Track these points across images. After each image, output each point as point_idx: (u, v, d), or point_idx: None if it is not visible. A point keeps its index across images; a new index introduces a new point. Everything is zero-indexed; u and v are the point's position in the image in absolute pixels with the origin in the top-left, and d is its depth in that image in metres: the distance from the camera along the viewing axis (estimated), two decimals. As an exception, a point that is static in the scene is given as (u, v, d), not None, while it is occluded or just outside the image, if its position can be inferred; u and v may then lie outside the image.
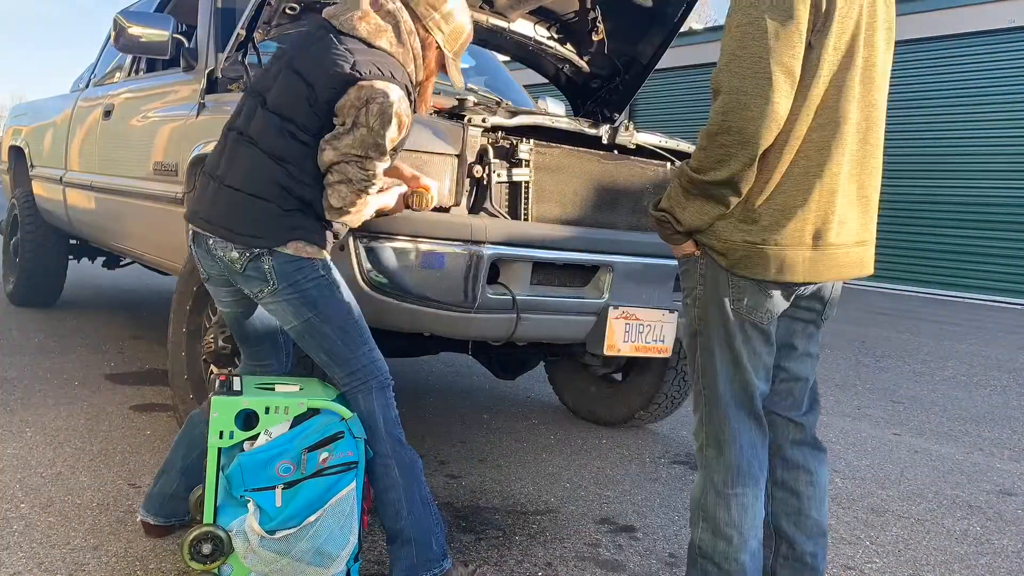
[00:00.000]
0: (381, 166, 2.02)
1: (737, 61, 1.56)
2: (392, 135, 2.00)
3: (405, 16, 2.14)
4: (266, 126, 2.05)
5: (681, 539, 2.63)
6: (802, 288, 1.74)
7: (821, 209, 1.66)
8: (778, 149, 1.63)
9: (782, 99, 1.56)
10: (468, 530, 2.58)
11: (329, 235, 2.12)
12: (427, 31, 2.19)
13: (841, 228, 1.69)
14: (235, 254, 2.05)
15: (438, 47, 2.22)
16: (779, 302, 1.72)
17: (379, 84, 1.99)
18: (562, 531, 2.63)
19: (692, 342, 1.77)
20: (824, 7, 1.59)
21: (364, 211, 2.07)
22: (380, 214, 2.22)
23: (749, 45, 1.55)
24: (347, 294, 2.13)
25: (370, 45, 2.07)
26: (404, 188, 2.28)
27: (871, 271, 1.79)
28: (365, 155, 1.98)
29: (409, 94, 2.09)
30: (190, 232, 2.16)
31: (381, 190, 2.10)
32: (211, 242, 2.09)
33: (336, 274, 2.12)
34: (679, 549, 2.55)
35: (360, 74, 1.99)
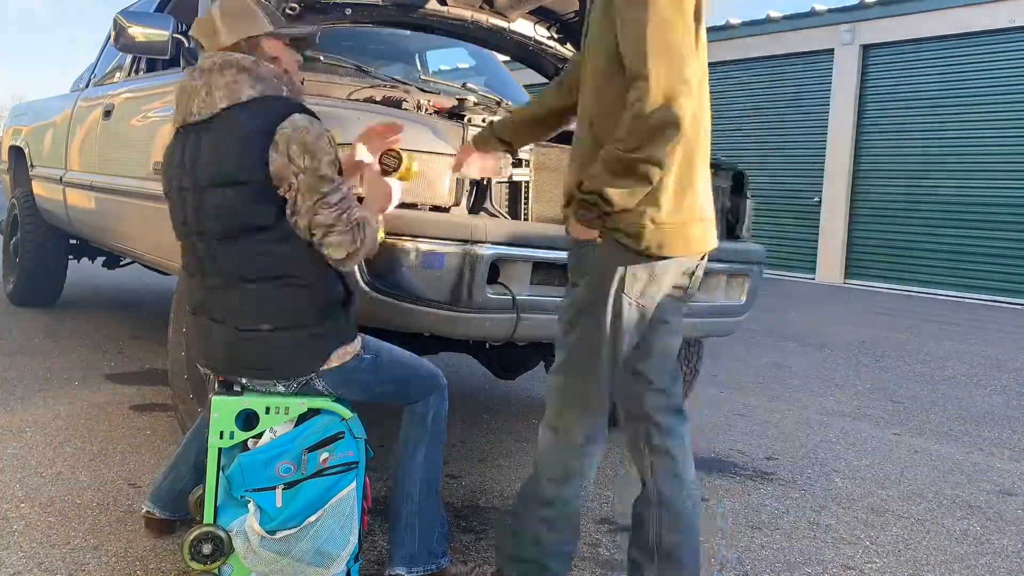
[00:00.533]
0: (343, 189, 1.93)
1: (666, 50, 1.65)
2: (327, 157, 1.91)
3: (232, 55, 1.98)
4: (240, 255, 1.92)
5: (681, 539, 2.63)
6: (691, 261, 1.87)
7: (702, 185, 1.83)
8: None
9: (695, 82, 1.69)
10: (468, 530, 2.58)
11: (355, 312, 2.07)
12: (239, 44, 2.02)
13: (708, 201, 1.87)
14: (281, 388, 2.01)
15: (256, 37, 2.04)
16: (667, 285, 1.84)
17: (285, 127, 1.88)
18: (562, 531, 2.62)
19: (575, 318, 1.86)
20: None
21: (371, 238, 1.98)
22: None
23: (670, 33, 1.66)
24: (386, 348, 2.12)
25: (242, 105, 1.93)
26: (394, 188, 2.18)
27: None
28: (321, 195, 1.89)
29: (305, 109, 1.98)
30: (210, 376, 2.08)
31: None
32: (245, 382, 2.03)
33: (372, 341, 2.11)
34: (679, 549, 2.55)
35: (264, 133, 1.88)
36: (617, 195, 1.73)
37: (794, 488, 3.19)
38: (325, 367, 1.99)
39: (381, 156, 2.20)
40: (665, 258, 1.79)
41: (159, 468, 2.84)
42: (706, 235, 1.87)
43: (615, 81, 1.74)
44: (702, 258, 1.92)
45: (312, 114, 1.97)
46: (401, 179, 2.23)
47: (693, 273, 1.92)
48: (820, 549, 2.63)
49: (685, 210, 1.79)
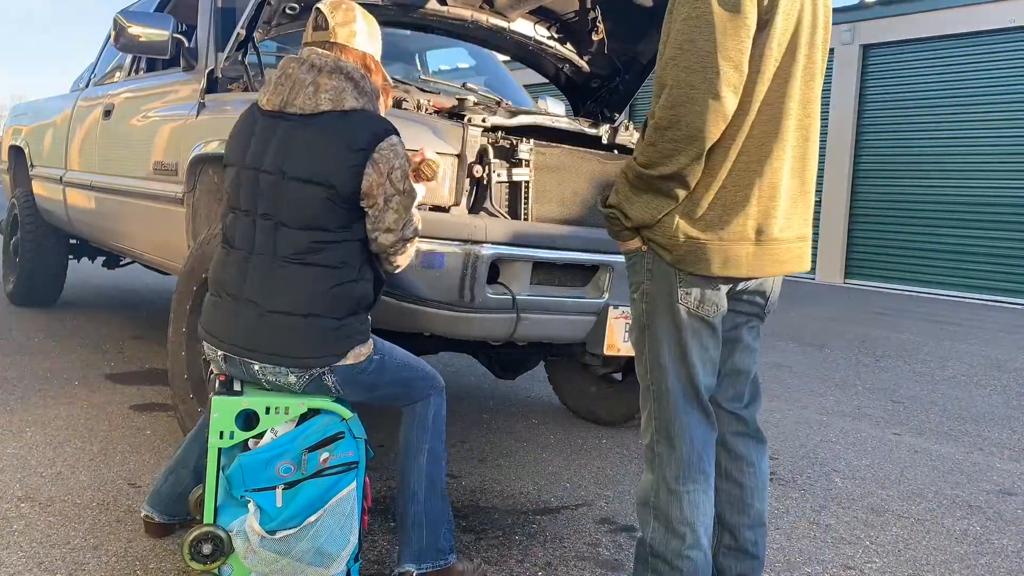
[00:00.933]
0: (416, 200, 2.09)
1: (685, 55, 1.54)
2: (427, 174, 2.11)
3: (346, 63, 2.06)
4: (303, 242, 1.98)
5: (681, 539, 2.63)
6: (746, 282, 1.74)
7: (763, 205, 1.66)
8: (724, 145, 1.62)
9: (729, 94, 1.55)
10: (468, 530, 2.58)
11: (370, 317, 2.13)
12: (361, 55, 2.13)
13: (783, 224, 1.70)
14: (292, 378, 2.02)
15: (374, 60, 2.18)
16: (725, 295, 1.72)
17: (384, 149, 1.98)
18: (562, 531, 2.63)
19: (640, 337, 1.75)
20: (767, 1, 1.58)
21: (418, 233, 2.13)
22: None
23: (696, 39, 1.53)
24: (389, 350, 2.14)
25: (343, 112, 2.00)
26: (419, 191, 2.26)
27: (808, 267, 1.81)
28: (410, 217, 2.04)
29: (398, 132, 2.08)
30: (220, 354, 2.08)
31: None
32: (257, 368, 2.03)
33: (379, 343, 2.12)
34: (679, 549, 2.55)
35: (364, 149, 1.96)
36: (635, 210, 1.65)
37: (794, 488, 3.19)
38: (341, 363, 2.01)
39: (420, 165, 2.25)
40: (702, 276, 1.66)
41: (159, 468, 2.84)
42: (761, 259, 1.68)
43: None
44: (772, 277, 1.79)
45: (399, 135, 2.06)
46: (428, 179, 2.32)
47: (765, 292, 1.81)
48: (820, 549, 2.63)
49: (732, 229, 1.64)
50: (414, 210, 2.09)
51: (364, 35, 2.16)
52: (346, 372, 2.03)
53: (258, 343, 2.00)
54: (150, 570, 2.17)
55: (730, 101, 1.56)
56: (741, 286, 1.75)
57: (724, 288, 1.71)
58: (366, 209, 2.00)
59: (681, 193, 1.63)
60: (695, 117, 1.54)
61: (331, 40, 2.11)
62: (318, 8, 2.16)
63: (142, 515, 2.33)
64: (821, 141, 11.06)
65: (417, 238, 2.12)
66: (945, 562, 2.60)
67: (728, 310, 1.76)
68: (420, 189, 2.23)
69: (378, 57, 2.21)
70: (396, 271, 2.14)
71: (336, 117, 2.00)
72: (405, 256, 2.10)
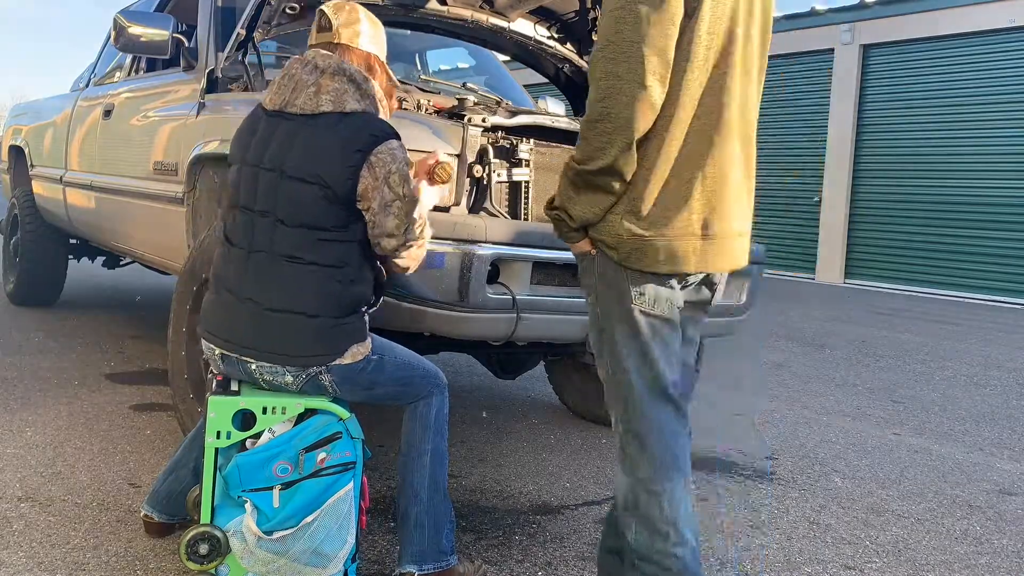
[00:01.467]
0: (419, 207, 2.07)
1: (611, 47, 1.54)
2: (410, 180, 2.03)
3: (348, 66, 2.06)
4: (300, 240, 1.99)
5: (681, 539, 2.63)
6: (695, 277, 1.73)
7: (707, 199, 1.65)
8: (659, 138, 1.60)
9: (655, 83, 1.54)
10: (468, 530, 2.58)
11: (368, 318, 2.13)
12: (365, 56, 2.14)
13: (728, 217, 1.70)
14: (289, 378, 2.01)
15: (379, 60, 2.19)
16: (679, 291, 1.70)
17: (382, 152, 1.97)
18: (562, 531, 2.63)
19: (599, 340, 1.72)
20: None
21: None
22: None
23: (623, 30, 1.53)
24: (389, 349, 2.13)
25: (344, 114, 2.01)
26: (435, 195, 2.27)
27: (746, 262, 1.80)
28: (412, 221, 2.03)
29: (398, 136, 2.07)
30: (217, 352, 2.08)
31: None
32: (254, 367, 2.03)
33: (379, 342, 2.12)
34: (679, 549, 2.55)
35: (361, 150, 1.96)
36: (577, 209, 1.64)
37: (794, 488, 3.19)
38: (338, 362, 2.01)
39: (434, 167, 2.25)
40: (652, 273, 1.64)
41: (159, 468, 2.84)
42: (707, 254, 1.67)
43: None
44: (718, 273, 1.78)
45: (400, 140, 2.06)
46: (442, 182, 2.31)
47: (713, 286, 1.80)
48: (820, 549, 2.63)
49: (676, 224, 1.63)
50: (422, 213, 2.08)
51: (368, 36, 2.16)
52: (343, 371, 2.02)
53: (256, 341, 2.00)
54: (150, 570, 2.17)
55: (656, 90, 1.55)
56: (691, 280, 1.73)
57: (677, 284, 1.68)
58: (364, 212, 2.00)
59: (617, 186, 1.61)
60: (623, 108, 1.54)
61: (335, 41, 2.12)
62: (321, 10, 2.16)
63: (141, 515, 2.33)
64: (821, 141, 10.98)
65: (425, 241, 2.11)
66: (945, 562, 2.60)
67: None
68: (434, 193, 2.25)
69: (383, 58, 2.21)
70: (406, 273, 2.15)
71: (336, 118, 2.00)
72: (412, 259, 2.09)
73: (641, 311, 1.66)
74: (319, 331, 1.99)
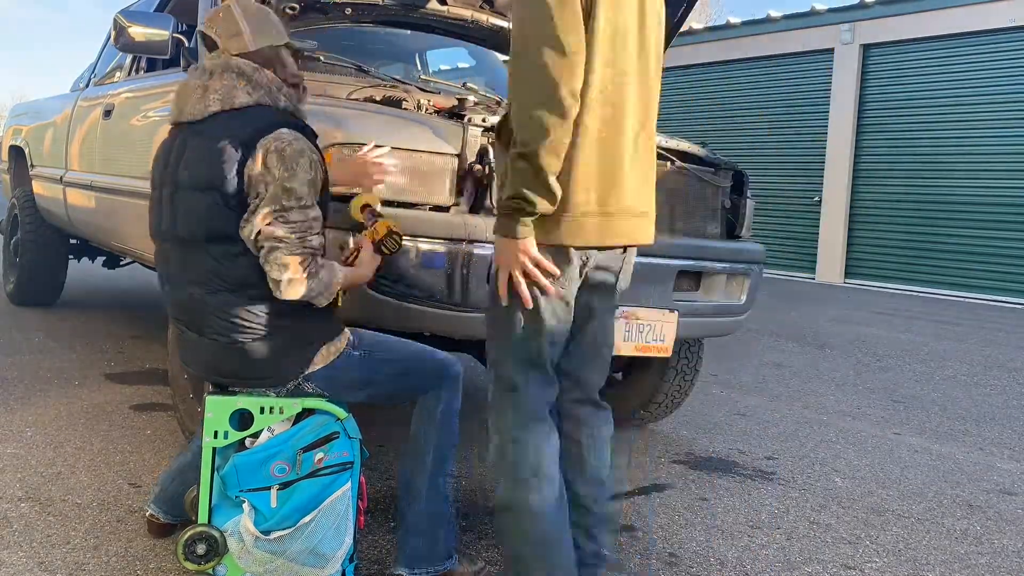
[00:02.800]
0: (308, 213, 1.90)
1: (533, 40, 1.67)
2: (304, 174, 1.88)
3: (236, 60, 1.99)
4: (203, 262, 1.91)
5: (681, 539, 2.63)
6: (595, 257, 1.85)
7: (607, 179, 1.79)
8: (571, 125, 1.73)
9: (576, 73, 1.68)
10: (468, 530, 2.58)
11: (338, 311, 2.05)
12: (262, 53, 2.04)
13: (625, 197, 1.83)
14: (272, 394, 2.01)
15: (277, 47, 2.08)
16: (575, 269, 1.82)
17: (266, 140, 1.88)
18: (562, 531, 2.62)
19: (494, 297, 1.84)
20: None
21: (326, 283, 1.93)
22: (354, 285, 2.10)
23: (536, 24, 1.67)
24: (382, 343, 2.10)
25: (234, 110, 1.93)
26: (376, 261, 2.15)
27: (651, 240, 1.95)
28: (281, 207, 1.85)
29: (295, 125, 1.97)
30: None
31: (348, 259, 2.08)
32: (236, 390, 2.04)
33: (364, 334, 2.08)
34: (679, 549, 2.56)
35: (246, 145, 1.87)
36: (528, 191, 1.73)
37: (794, 487, 3.19)
38: (310, 369, 1.98)
39: (384, 238, 2.14)
40: (552, 246, 1.77)
41: (160, 468, 2.84)
42: (607, 229, 1.81)
43: None
44: (625, 251, 1.94)
45: (304, 131, 1.96)
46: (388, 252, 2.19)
47: (613, 268, 1.93)
48: (820, 548, 2.63)
49: (579, 202, 1.77)
50: (315, 224, 1.91)
51: (255, 33, 2.05)
52: (322, 375, 2.00)
53: (223, 370, 2.00)
54: (150, 570, 2.17)
55: (578, 78, 1.68)
56: (592, 262, 1.86)
57: (576, 261, 1.81)
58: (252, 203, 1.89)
59: (556, 164, 1.71)
60: (555, 91, 1.66)
61: (216, 58, 2.03)
62: (201, 33, 2.08)
63: (147, 514, 2.32)
64: (821, 141, 10.97)
65: (311, 256, 1.88)
66: (945, 562, 2.60)
67: (585, 285, 1.88)
68: (370, 263, 2.12)
69: (281, 41, 2.08)
70: (279, 292, 1.89)
71: (227, 117, 1.93)
72: (283, 268, 1.85)
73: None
74: (275, 351, 1.95)
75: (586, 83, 1.72)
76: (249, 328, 1.94)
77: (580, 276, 1.85)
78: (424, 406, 2.12)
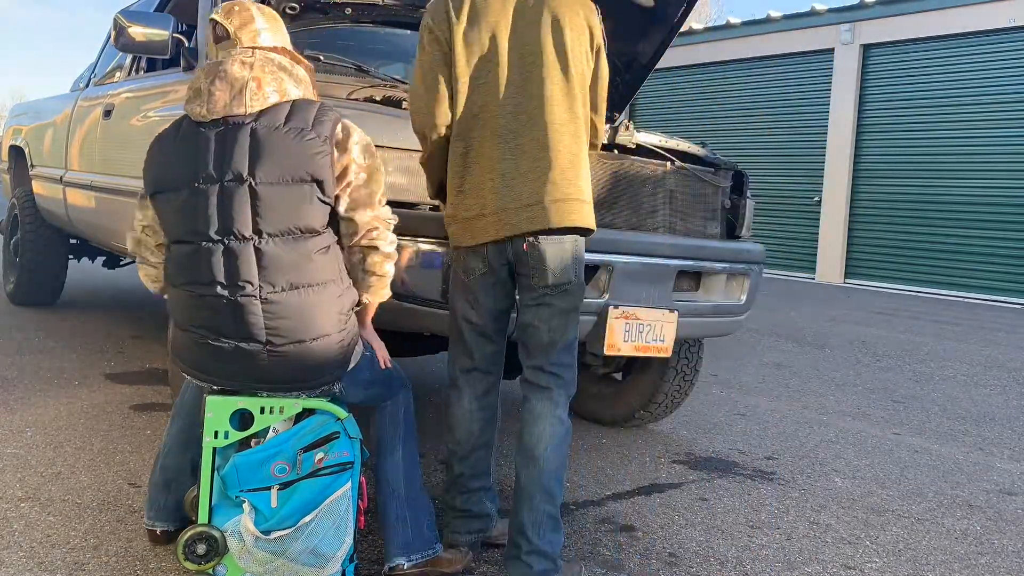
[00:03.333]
0: (386, 206, 2.06)
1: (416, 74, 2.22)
2: (382, 171, 2.04)
3: (273, 54, 2.00)
4: (292, 257, 1.86)
5: (681, 539, 2.63)
6: (489, 248, 2.16)
7: (481, 183, 2.14)
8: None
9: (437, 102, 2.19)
10: (468, 530, 2.58)
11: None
12: (287, 53, 2.07)
13: (502, 195, 2.12)
14: (304, 397, 1.99)
15: (287, 51, 2.10)
16: (476, 263, 2.19)
17: (340, 133, 1.94)
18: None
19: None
20: (449, 33, 2.15)
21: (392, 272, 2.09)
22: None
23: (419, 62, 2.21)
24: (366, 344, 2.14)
25: (293, 103, 1.94)
26: None
27: (554, 224, 2.13)
28: (382, 193, 2.03)
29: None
30: (191, 380, 2.08)
31: None
32: (263, 393, 1.98)
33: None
34: (679, 549, 2.56)
35: (328, 138, 1.90)
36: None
37: (794, 488, 3.19)
38: (347, 370, 2.02)
39: None
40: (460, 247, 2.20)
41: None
42: (491, 226, 2.13)
43: None
44: (532, 236, 2.13)
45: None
46: None
47: (527, 261, 2.15)
48: (820, 548, 2.63)
49: (468, 206, 2.16)
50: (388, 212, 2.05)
51: (268, 32, 2.06)
52: (348, 376, 2.04)
53: (265, 377, 1.92)
54: (150, 570, 2.17)
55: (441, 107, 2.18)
56: (489, 252, 2.18)
57: (474, 256, 2.19)
58: (340, 194, 1.94)
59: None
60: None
61: (245, 51, 2.00)
62: (213, 20, 2.06)
63: (158, 531, 2.25)
64: (821, 141, 10.95)
65: (392, 227, 2.04)
66: (945, 562, 2.60)
67: (509, 279, 2.23)
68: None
69: (289, 45, 2.13)
70: (379, 268, 2.02)
71: (286, 108, 1.92)
72: (391, 244, 2.03)
73: (458, 276, 2.26)
74: (331, 351, 1.93)
75: (455, 103, 2.19)
76: (314, 329, 1.89)
77: (481, 266, 2.19)
78: (387, 411, 2.20)
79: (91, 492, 2.65)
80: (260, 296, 1.86)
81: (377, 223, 2.01)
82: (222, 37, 2.05)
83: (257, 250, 1.85)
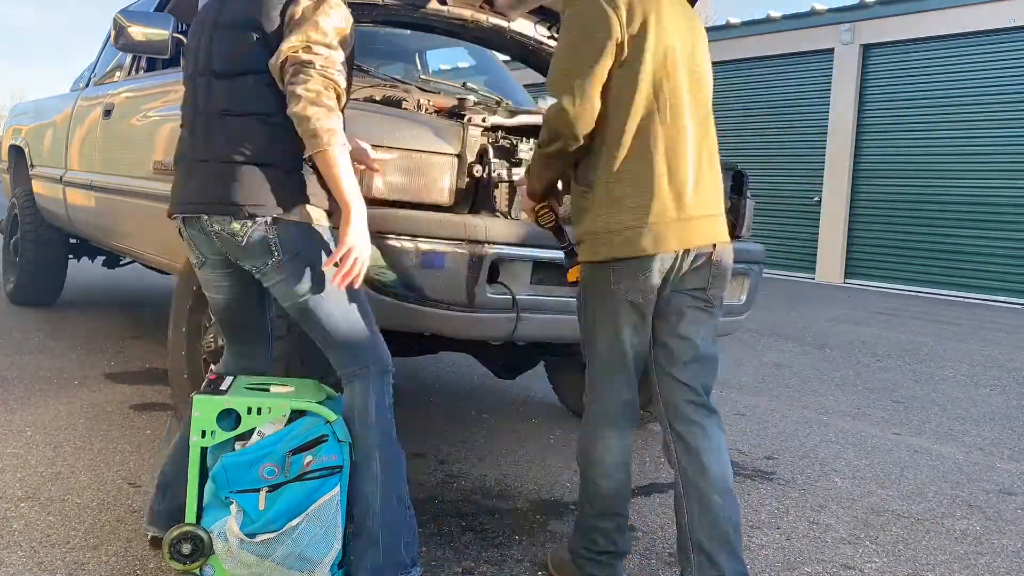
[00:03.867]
0: (334, 55, 1.94)
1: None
2: (335, 24, 1.96)
3: None
4: (233, 91, 2.01)
5: (681, 539, 2.63)
6: (671, 263, 2.01)
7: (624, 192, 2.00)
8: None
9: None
10: (468, 529, 2.58)
11: (333, 203, 2.01)
12: None
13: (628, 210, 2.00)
14: (236, 226, 1.96)
15: None
16: (653, 280, 2.00)
17: None
18: (562, 531, 2.62)
19: (583, 312, 2.14)
20: (627, 30, 1.95)
21: (329, 125, 1.88)
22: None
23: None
24: (358, 288, 2.05)
25: None
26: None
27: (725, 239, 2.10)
28: (307, 38, 1.92)
29: None
30: (179, 221, 2.11)
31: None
32: (205, 219, 2.01)
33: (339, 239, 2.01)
34: (679, 549, 2.55)
35: None
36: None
37: (794, 488, 3.19)
38: (285, 216, 1.97)
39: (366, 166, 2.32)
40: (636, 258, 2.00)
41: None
42: (683, 232, 2.01)
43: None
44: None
45: None
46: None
47: (699, 272, 2.06)
48: (820, 549, 2.63)
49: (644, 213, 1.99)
50: (332, 57, 1.94)
51: None
52: (290, 231, 1.96)
53: (203, 195, 2.02)
54: (149, 570, 2.17)
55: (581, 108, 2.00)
56: (669, 267, 2.04)
57: (654, 272, 2.03)
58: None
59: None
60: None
61: None
62: None
63: (149, 536, 2.23)
64: (821, 141, 10.95)
65: (331, 88, 1.92)
66: (945, 562, 2.60)
67: (675, 291, 2.07)
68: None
69: None
70: (302, 124, 1.89)
71: None
72: (304, 88, 1.88)
73: (619, 296, 2.06)
74: (264, 180, 1.97)
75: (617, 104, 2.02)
76: (250, 154, 1.98)
77: (657, 282, 2.03)
78: (352, 402, 2.00)
79: (91, 492, 2.65)
80: (211, 119, 2.04)
81: (291, 65, 1.91)
82: None
83: (213, 83, 2.04)
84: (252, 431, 1.99)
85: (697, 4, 2.20)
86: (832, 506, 3.01)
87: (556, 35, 4.00)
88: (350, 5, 3.46)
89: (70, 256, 5.75)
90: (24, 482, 2.69)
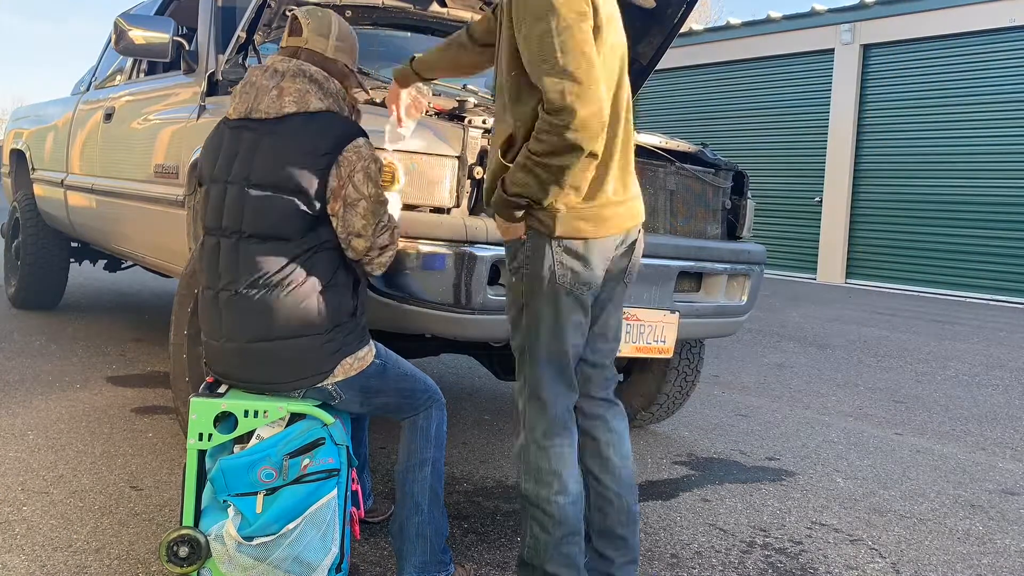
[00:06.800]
0: (388, 212, 2.10)
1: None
2: (383, 179, 2.06)
3: (307, 66, 2.06)
4: (264, 259, 1.96)
5: (682, 539, 2.63)
6: (616, 248, 1.95)
7: (614, 172, 1.93)
8: None
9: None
10: (470, 531, 2.58)
11: (364, 322, 2.12)
12: (334, 62, 2.13)
13: (623, 185, 1.97)
14: (296, 394, 2.03)
15: (347, 68, 2.18)
16: (597, 270, 1.92)
17: (348, 151, 1.97)
18: (564, 532, 2.62)
19: (518, 314, 1.98)
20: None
21: (394, 241, 2.12)
22: None
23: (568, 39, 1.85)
24: (393, 359, 2.14)
25: (310, 114, 2.00)
26: (393, 200, 2.25)
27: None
28: (380, 222, 2.04)
29: (365, 134, 2.08)
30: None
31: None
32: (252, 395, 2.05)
33: (382, 350, 2.13)
34: (680, 550, 2.55)
35: (328, 152, 1.96)
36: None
37: (795, 488, 3.19)
38: (334, 379, 2.01)
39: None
40: (582, 239, 1.87)
41: (163, 471, 2.85)
42: (620, 216, 1.95)
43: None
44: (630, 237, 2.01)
45: (367, 137, 2.06)
46: (395, 190, 2.29)
47: (629, 253, 2.02)
48: (822, 549, 2.63)
49: (598, 196, 1.89)
50: (393, 215, 2.10)
51: (337, 44, 2.15)
52: (341, 383, 2.03)
53: (246, 375, 2.02)
54: (152, 572, 2.17)
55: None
56: (614, 252, 1.99)
57: (597, 252, 1.94)
58: (331, 215, 1.99)
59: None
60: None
61: (304, 47, 2.11)
62: (294, 14, 2.15)
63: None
64: (822, 141, 10.97)
65: (394, 244, 2.10)
66: (948, 562, 2.60)
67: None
68: (394, 197, 2.24)
69: (354, 66, 2.21)
70: (375, 275, 2.15)
71: (302, 119, 1.99)
72: (380, 264, 2.10)
73: (564, 290, 1.92)
74: (306, 352, 1.97)
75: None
76: (283, 329, 1.97)
77: (601, 273, 1.94)
78: (419, 424, 2.15)
79: (93, 495, 2.65)
80: (235, 295, 1.98)
81: (376, 251, 2.06)
82: (295, 32, 2.14)
83: (237, 247, 1.98)
84: (250, 434, 1.99)
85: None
86: (834, 506, 3.01)
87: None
88: (350, 7, 3.50)
89: (71, 260, 5.76)
90: (26, 485, 2.70)
